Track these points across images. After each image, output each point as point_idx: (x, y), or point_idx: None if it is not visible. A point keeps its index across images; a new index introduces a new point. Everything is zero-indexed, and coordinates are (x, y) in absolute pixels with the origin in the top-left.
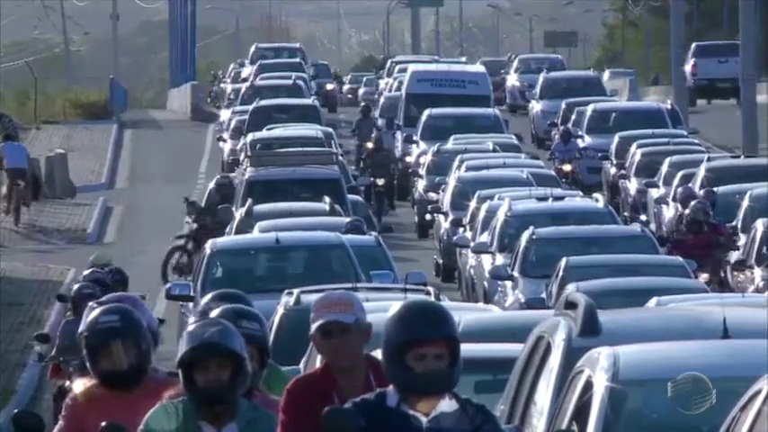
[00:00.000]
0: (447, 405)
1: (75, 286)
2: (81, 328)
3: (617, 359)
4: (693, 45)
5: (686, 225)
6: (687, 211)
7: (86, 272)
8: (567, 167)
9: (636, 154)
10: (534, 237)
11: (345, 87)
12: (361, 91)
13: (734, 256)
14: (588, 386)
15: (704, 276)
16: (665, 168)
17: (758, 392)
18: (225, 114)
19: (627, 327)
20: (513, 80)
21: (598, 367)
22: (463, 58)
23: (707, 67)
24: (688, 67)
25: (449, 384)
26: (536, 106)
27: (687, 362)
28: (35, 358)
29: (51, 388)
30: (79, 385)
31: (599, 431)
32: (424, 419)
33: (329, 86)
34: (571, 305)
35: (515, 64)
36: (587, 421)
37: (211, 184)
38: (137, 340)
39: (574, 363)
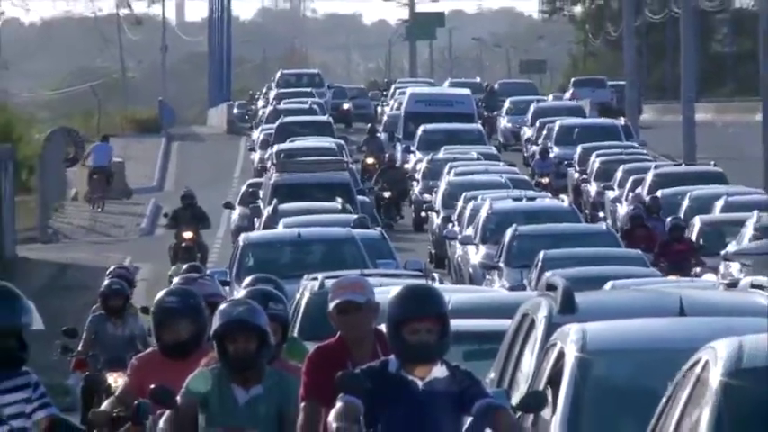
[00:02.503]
0: (439, 371)
1: (105, 282)
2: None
3: (585, 333)
4: (572, 79)
5: (630, 221)
6: (627, 211)
7: (111, 268)
8: (545, 180)
9: (595, 162)
10: (517, 233)
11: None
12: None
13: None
14: (560, 356)
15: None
16: (619, 174)
17: (698, 360)
18: (255, 134)
19: (599, 306)
20: (504, 122)
21: (568, 340)
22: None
23: (583, 94)
24: (567, 95)
25: (438, 353)
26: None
27: (647, 335)
28: (58, 351)
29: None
30: (111, 379)
31: (569, 394)
32: (419, 383)
33: (345, 106)
34: (551, 287)
35: (507, 105)
36: (560, 385)
37: (243, 187)
38: (193, 318)
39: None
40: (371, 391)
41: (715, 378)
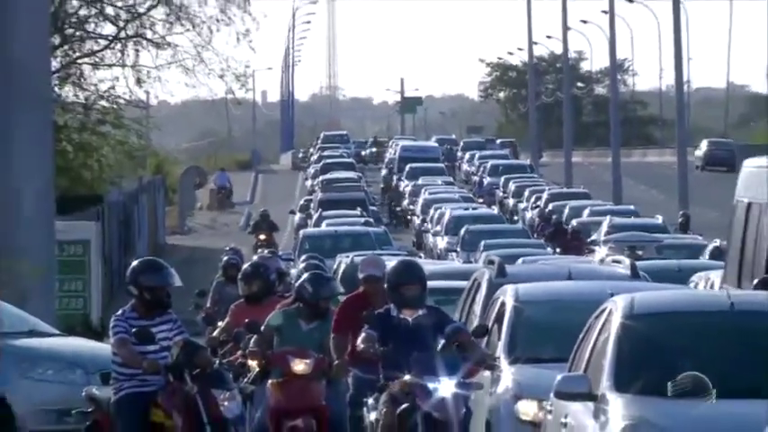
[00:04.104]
0: (421, 312)
1: (225, 258)
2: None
3: (518, 290)
4: (462, 142)
5: (546, 224)
6: (538, 218)
7: (227, 249)
8: (480, 200)
9: (512, 186)
10: (467, 230)
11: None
12: (366, 152)
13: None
14: (503, 305)
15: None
16: (526, 193)
17: (603, 310)
18: (309, 170)
19: (519, 273)
20: (465, 165)
21: (508, 295)
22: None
23: (471, 148)
24: (460, 153)
25: (420, 303)
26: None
27: (555, 291)
28: (192, 307)
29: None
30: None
31: (509, 328)
32: (410, 319)
33: (363, 153)
34: (491, 262)
35: (463, 155)
36: (502, 324)
37: (301, 201)
38: (262, 279)
39: (492, 293)
40: (381, 325)
41: (617, 320)
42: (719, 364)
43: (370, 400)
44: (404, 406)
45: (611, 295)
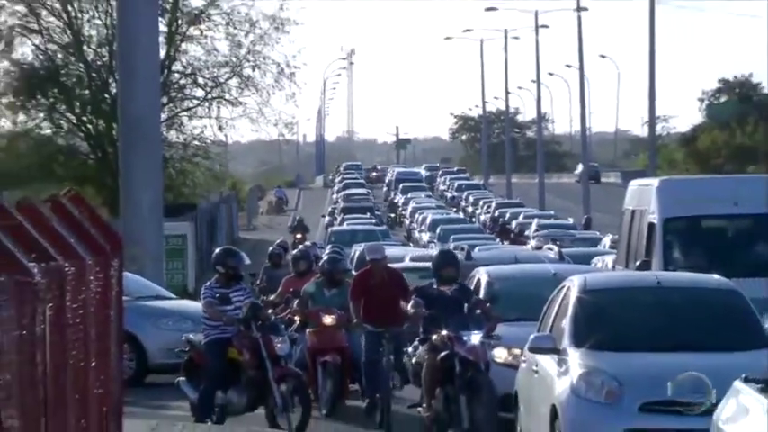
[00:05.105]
0: (455, 286)
1: (271, 248)
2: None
3: (489, 271)
4: (441, 170)
5: (496, 226)
6: (489, 219)
7: (276, 242)
8: (452, 208)
9: (470, 198)
10: (442, 228)
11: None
12: (375, 174)
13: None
14: (478, 281)
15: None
16: (480, 203)
17: (563, 287)
18: (335, 187)
19: (481, 257)
20: (441, 185)
21: (482, 274)
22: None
23: (445, 173)
24: (440, 179)
25: (454, 281)
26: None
27: (512, 271)
28: (249, 283)
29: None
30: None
31: (485, 296)
32: (447, 291)
33: (371, 175)
34: (462, 249)
35: (442, 178)
36: (479, 290)
37: (329, 208)
38: (306, 260)
39: (468, 272)
40: (426, 295)
41: (574, 294)
42: (650, 327)
43: (410, 349)
44: (445, 352)
45: (554, 273)
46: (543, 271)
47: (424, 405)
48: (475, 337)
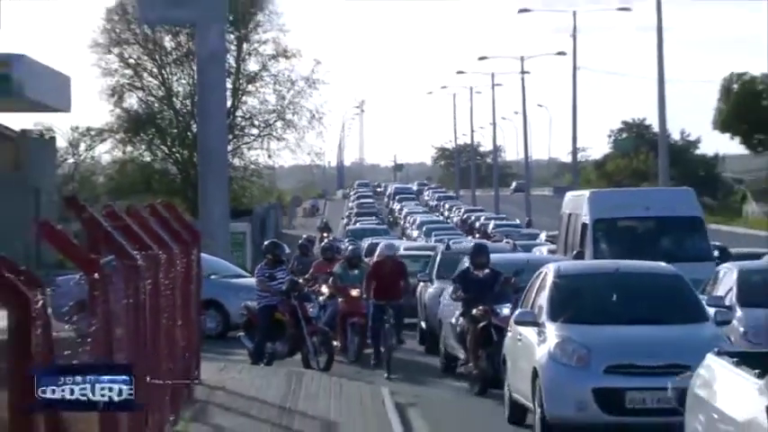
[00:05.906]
0: (487, 271)
1: (300, 241)
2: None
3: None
4: (427, 186)
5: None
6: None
7: (303, 237)
8: (435, 214)
9: (446, 205)
10: (428, 227)
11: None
12: (379, 189)
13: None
14: (464, 266)
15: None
16: (454, 208)
17: (541, 272)
18: (351, 198)
19: (457, 249)
20: (426, 197)
21: (466, 260)
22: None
23: (429, 189)
24: (425, 192)
25: (486, 266)
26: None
27: (498, 259)
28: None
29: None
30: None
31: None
32: (480, 275)
33: (377, 190)
34: (444, 241)
35: (426, 192)
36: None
37: (346, 212)
38: (333, 250)
39: (444, 258)
40: (464, 279)
41: (550, 278)
42: (612, 304)
43: (453, 320)
44: (483, 323)
45: (527, 261)
46: (517, 258)
47: (470, 364)
48: (506, 310)
